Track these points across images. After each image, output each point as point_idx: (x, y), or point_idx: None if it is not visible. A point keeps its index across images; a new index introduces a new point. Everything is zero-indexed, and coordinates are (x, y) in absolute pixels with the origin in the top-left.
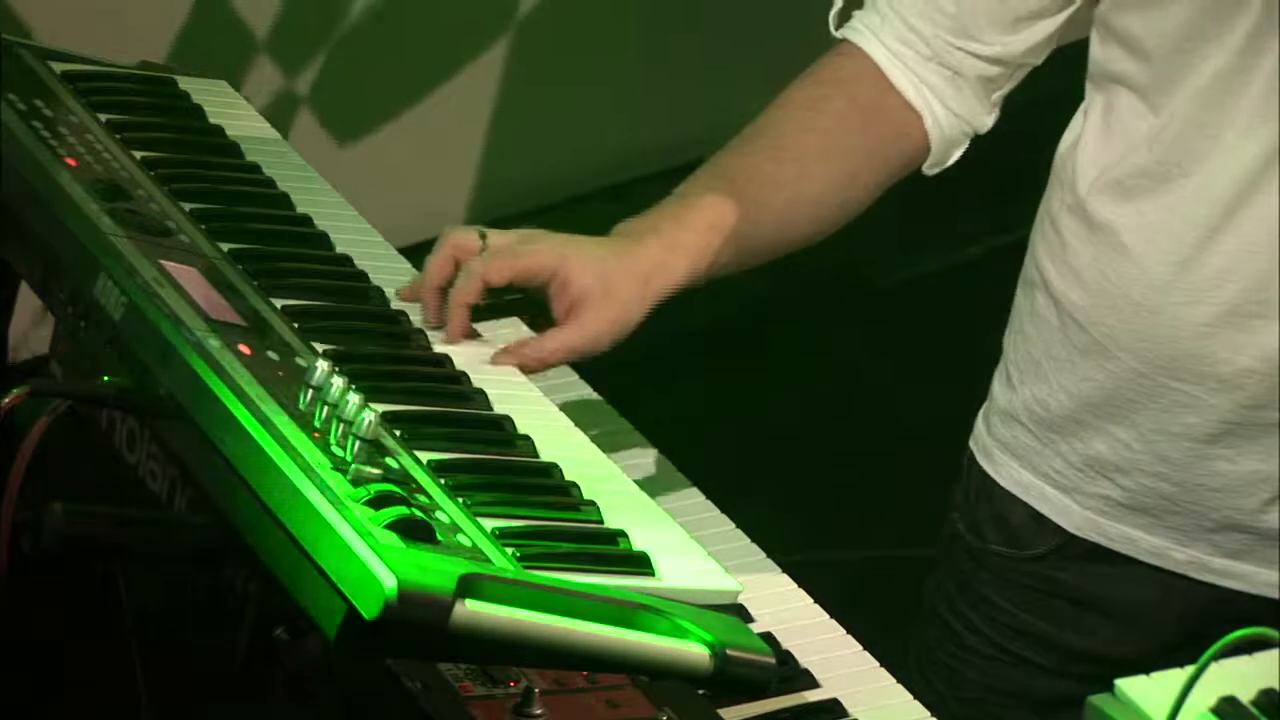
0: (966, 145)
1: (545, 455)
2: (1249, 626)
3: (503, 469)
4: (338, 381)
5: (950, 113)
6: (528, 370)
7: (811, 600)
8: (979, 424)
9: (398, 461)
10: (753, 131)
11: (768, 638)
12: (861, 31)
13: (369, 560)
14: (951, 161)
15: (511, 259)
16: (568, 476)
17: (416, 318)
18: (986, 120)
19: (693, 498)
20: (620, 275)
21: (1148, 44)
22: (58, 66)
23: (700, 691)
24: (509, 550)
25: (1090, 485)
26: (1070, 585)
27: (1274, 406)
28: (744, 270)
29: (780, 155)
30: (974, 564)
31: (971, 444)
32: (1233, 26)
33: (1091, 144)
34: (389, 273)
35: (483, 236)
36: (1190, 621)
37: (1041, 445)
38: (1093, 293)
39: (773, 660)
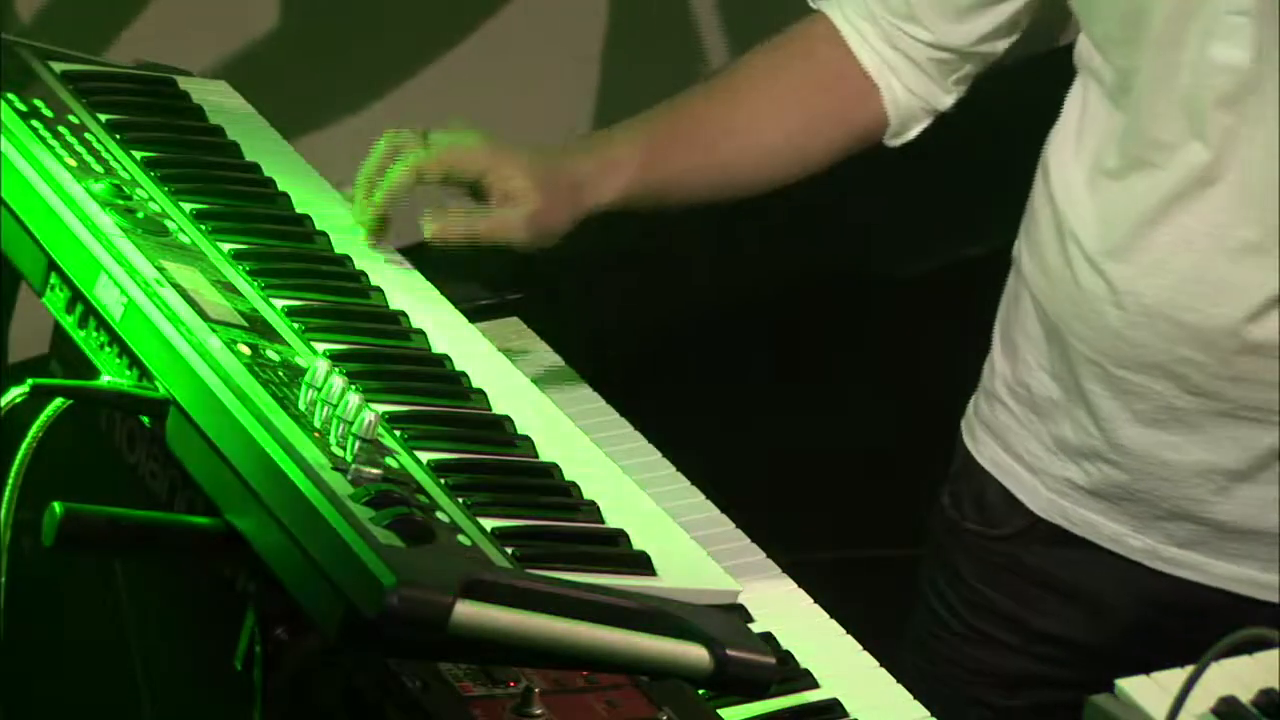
0: (929, 121)
1: (545, 455)
2: (1206, 620)
3: (503, 469)
4: (338, 381)
5: (907, 90)
6: (447, 241)
7: (811, 600)
8: (970, 404)
9: (398, 461)
10: (715, 80)
11: (768, 638)
12: (831, 3)
13: (369, 560)
14: (912, 135)
15: (447, 153)
16: (568, 476)
17: (416, 317)
18: (946, 99)
19: (692, 497)
20: (551, 180)
21: (1097, 41)
22: (58, 66)
23: (700, 691)
24: (509, 550)
25: (1057, 468)
26: (1035, 567)
27: (1217, 396)
28: (693, 204)
29: (735, 102)
30: (952, 540)
31: (962, 423)
32: (1148, 30)
33: (1064, 130)
34: (389, 273)
35: (424, 136)
36: (1148, 611)
37: (1020, 425)
38: (1049, 275)
39: (773, 660)
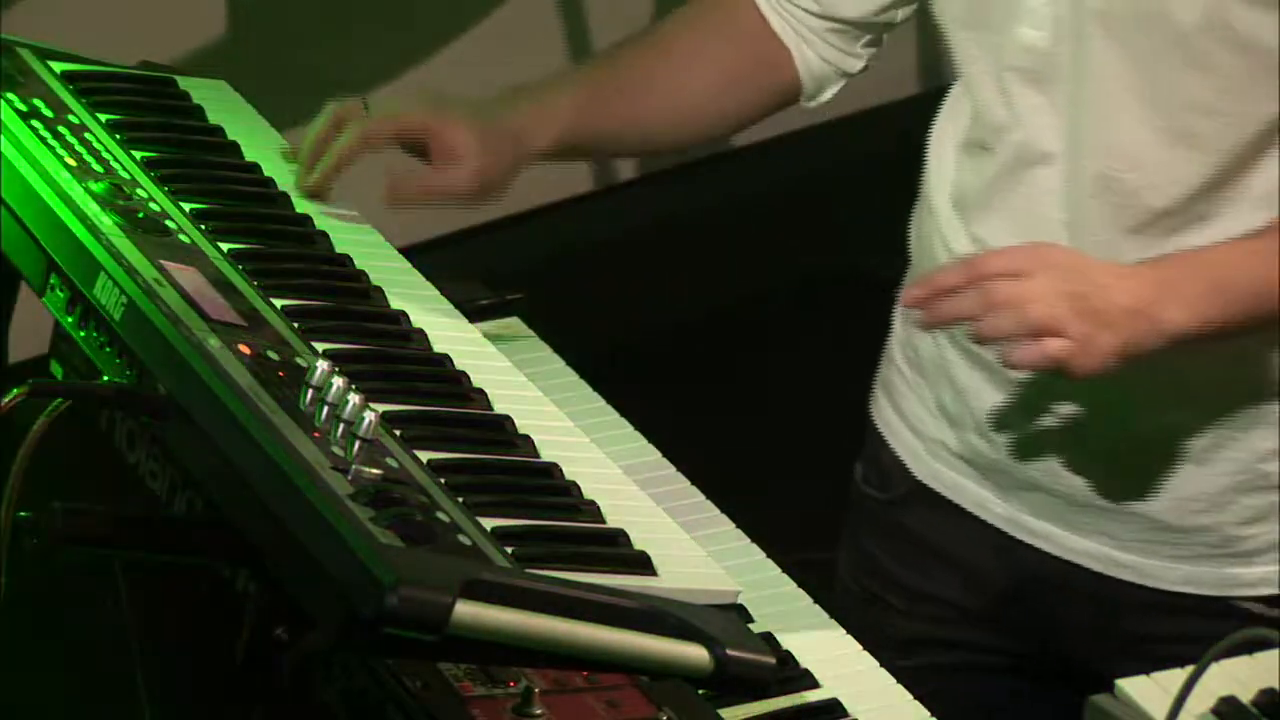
0: (842, 83)
1: (545, 455)
2: (1069, 594)
3: (503, 469)
4: (338, 381)
5: (818, 56)
6: (400, 204)
7: (811, 600)
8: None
9: (398, 461)
10: (643, 35)
11: (768, 638)
12: None
13: (369, 560)
14: (827, 96)
15: (390, 120)
16: (568, 476)
17: (416, 317)
18: (855, 64)
19: (693, 497)
20: (492, 133)
21: (942, 23)
22: (58, 66)
23: (700, 691)
24: (509, 550)
25: (936, 432)
26: (917, 531)
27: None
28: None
29: (660, 57)
30: (857, 508)
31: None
32: (965, 10)
33: (944, 109)
34: (389, 273)
35: (365, 105)
36: (1020, 581)
37: (909, 389)
38: (920, 243)
39: (773, 660)
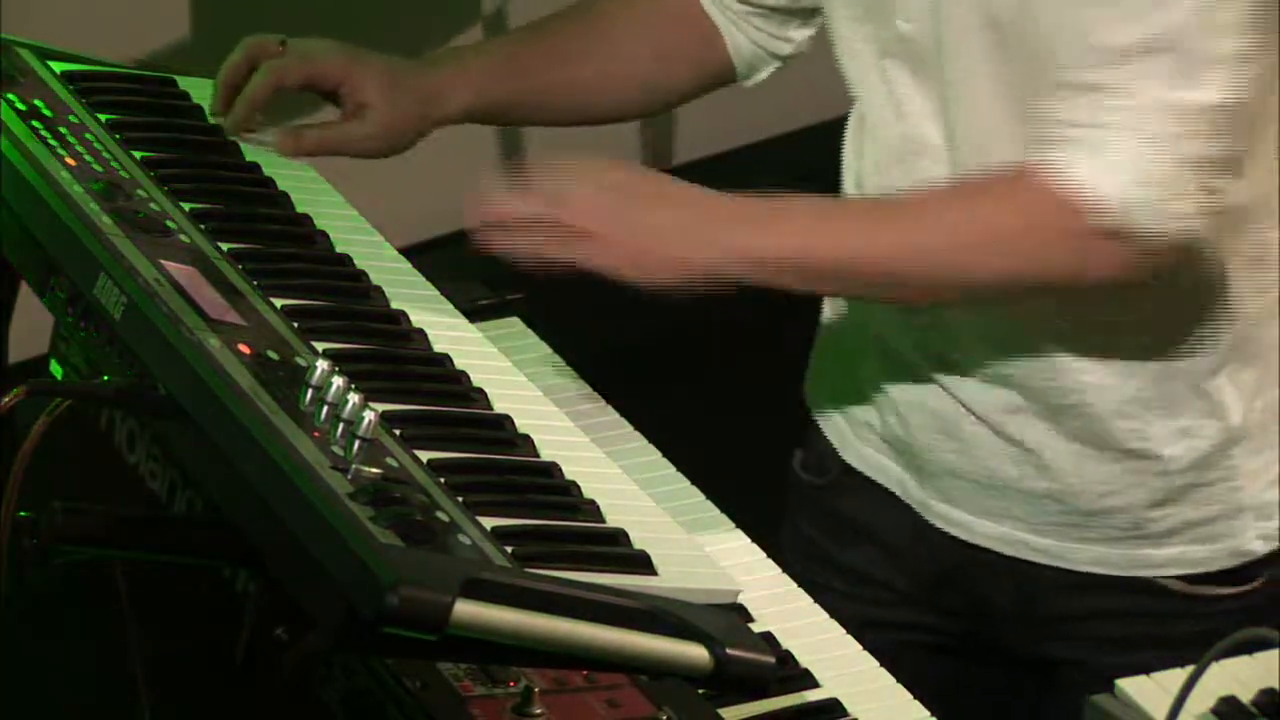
0: (776, 65)
1: (545, 455)
2: (991, 575)
3: (503, 469)
4: (338, 381)
5: (747, 39)
6: (301, 153)
7: (812, 600)
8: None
9: (398, 461)
10: (576, 5)
11: (768, 638)
12: None
13: (369, 560)
14: (762, 77)
15: (305, 62)
16: (568, 476)
17: (416, 317)
18: (785, 48)
19: (693, 497)
20: (404, 89)
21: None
22: (58, 66)
23: (700, 691)
24: (509, 550)
25: (862, 414)
26: (849, 514)
27: (940, 359)
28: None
29: (593, 28)
30: (793, 490)
31: None
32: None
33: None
34: (389, 273)
35: (282, 43)
36: (942, 563)
37: (836, 372)
38: None
39: (773, 660)
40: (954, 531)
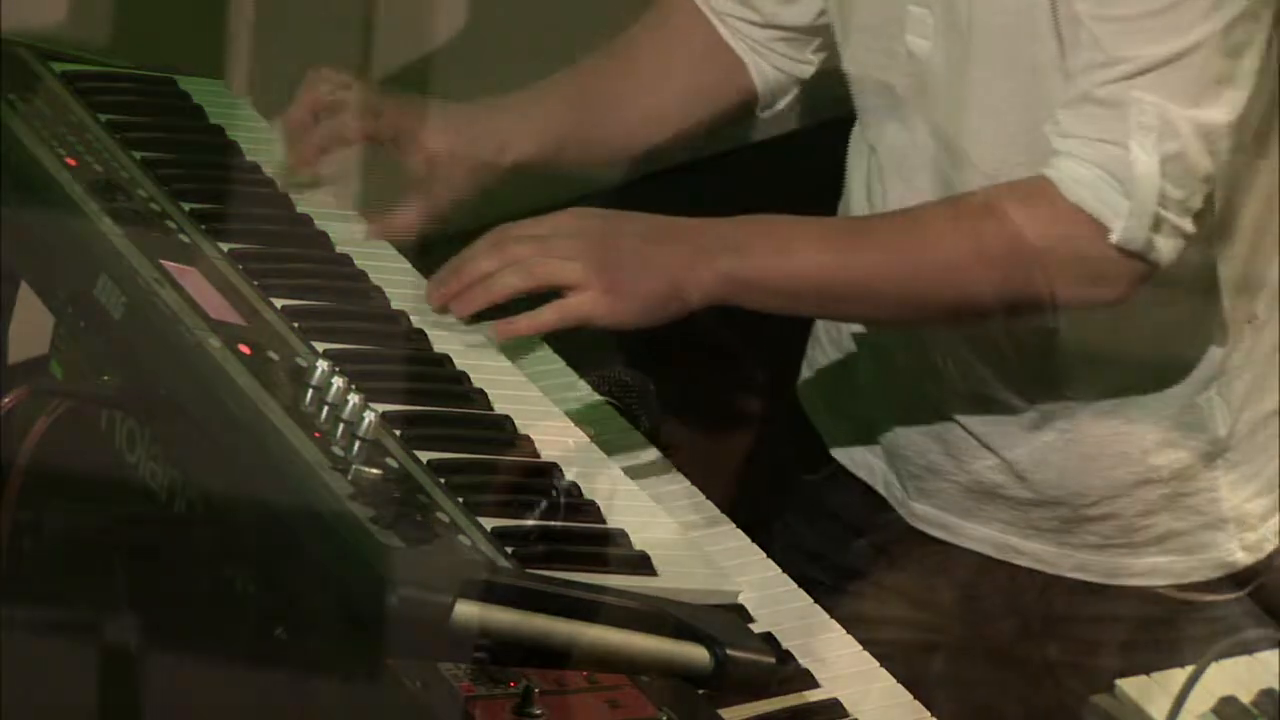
0: (798, 90)
1: (545, 455)
2: (979, 581)
3: (503, 469)
4: (338, 381)
5: (770, 65)
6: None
7: (811, 600)
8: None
9: (398, 461)
10: (606, 50)
11: (768, 638)
12: None
13: (369, 560)
14: (783, 105)
15: (370, 119)
16: (568, 477)
17: (416, 318)
18: (807, 70)
19: (693, 497)
20: (478, 142)
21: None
22: (58, 66)
23: (700, 691)
24: (509, 550)
25: (847, 405)
26: (839, 511)
27: (906, 365)
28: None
29: (624, 72)
30: (788, 489)
31: None
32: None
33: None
34: (389, 273)
35: (350, 85)
36: (931, 566)
37: (829, 368)
38: None
39: (773, 660)
40: (937, 533)
